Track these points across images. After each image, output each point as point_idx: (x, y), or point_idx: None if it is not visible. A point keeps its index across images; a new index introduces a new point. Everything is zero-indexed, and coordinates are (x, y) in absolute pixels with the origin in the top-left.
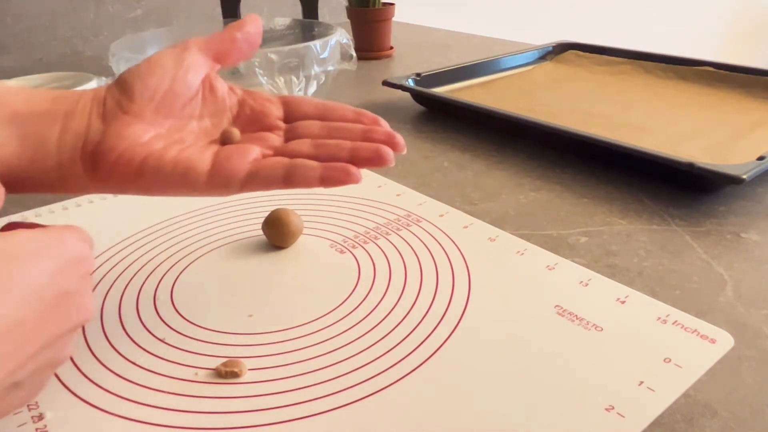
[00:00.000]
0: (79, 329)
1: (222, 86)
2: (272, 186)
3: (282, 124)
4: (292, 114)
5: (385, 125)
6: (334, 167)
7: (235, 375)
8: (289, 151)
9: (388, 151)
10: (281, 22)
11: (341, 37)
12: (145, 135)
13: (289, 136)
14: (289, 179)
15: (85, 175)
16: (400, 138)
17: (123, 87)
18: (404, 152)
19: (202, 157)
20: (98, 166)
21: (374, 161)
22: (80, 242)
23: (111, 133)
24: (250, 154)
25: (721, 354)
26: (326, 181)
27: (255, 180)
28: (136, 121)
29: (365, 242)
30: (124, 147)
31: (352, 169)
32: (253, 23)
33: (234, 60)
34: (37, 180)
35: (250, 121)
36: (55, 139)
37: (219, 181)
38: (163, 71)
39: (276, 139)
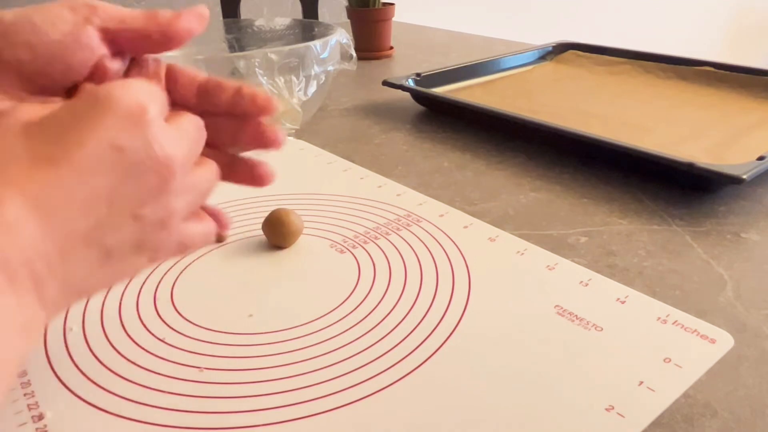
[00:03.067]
0: (171, 190)
1: (116, 68)
2: None
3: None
4: (171, 91)
5: (267, 106)
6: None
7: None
8: None
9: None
10: (281, 22)
11: (341, 37)
12: None
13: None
14: None
15: None
16: (276, 133)
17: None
18: (281, 147)
19: None
20: None
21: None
22: (134, 95)
23: None
24: None
25: (721, 354)
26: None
27: None
28: None
29: (365, 242)
30: None
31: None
32: (191, 19)
33: (139, 52)
34: None
35: None
36: None
37: None
38: (43, 43)
39: None
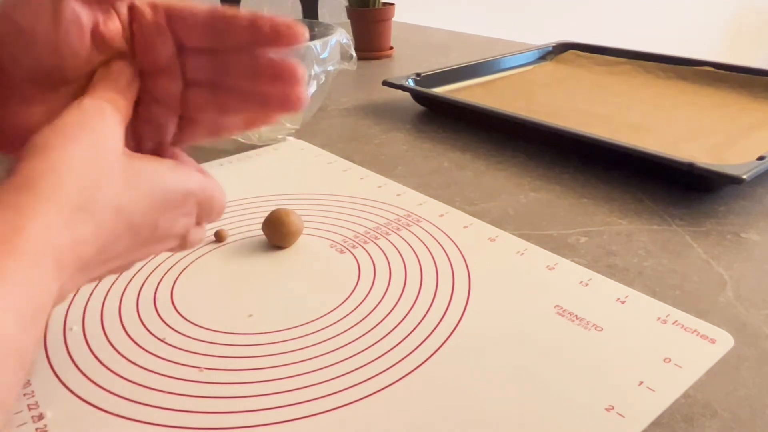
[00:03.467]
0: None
1: (113, 28)
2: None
3: (175, 61)
4: (177, 34)
5: (293, 33)
6: (256, 121)
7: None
8: (191, 116)
9: (295, 94)
10: None
11: (341, 37)
12: (26, 115)
13: (185, 78)
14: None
15: None
16: (296, 68)
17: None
18: (304, 104)
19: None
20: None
21: (283, 108)
22: (194, 182)
23: (2, 124)
24: (170, 129)
25: (721, 354)
26: (251, 124)
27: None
28: (22, 107)
29: (365, 242)
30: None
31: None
32: None
33: None
34: None
35: (145, 53)
36: None
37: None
38: (37, 43)
39: (175, 87)
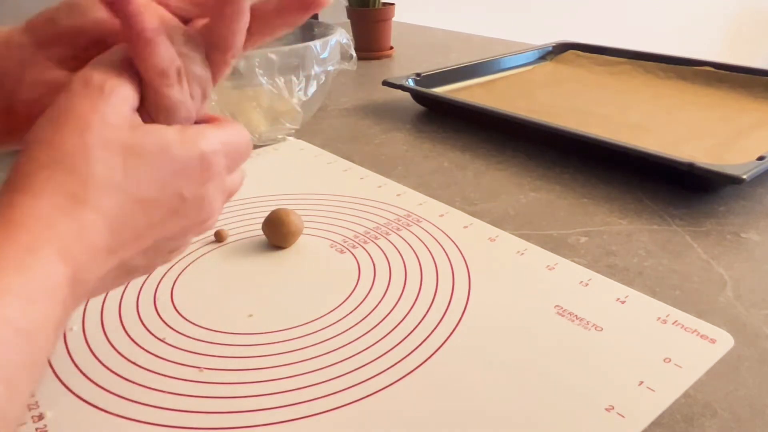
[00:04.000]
0: (198, 233)
1: None
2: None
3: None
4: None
5: None
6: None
7: None
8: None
9: None
10: None
11: (341, 37)
12: (53, 73)
13: None
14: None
15: (2, 129)
16: None
17: (39, 30)
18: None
19: None
20: (16, 118)
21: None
22: (207, 143)
23: (29, 81)
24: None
25: (721, 354)
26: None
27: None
28: (57, 67)
29: (365, 242)
30: (48, 96)
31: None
32: None
33: None
34: None
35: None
36: None
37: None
38: (84, 13)
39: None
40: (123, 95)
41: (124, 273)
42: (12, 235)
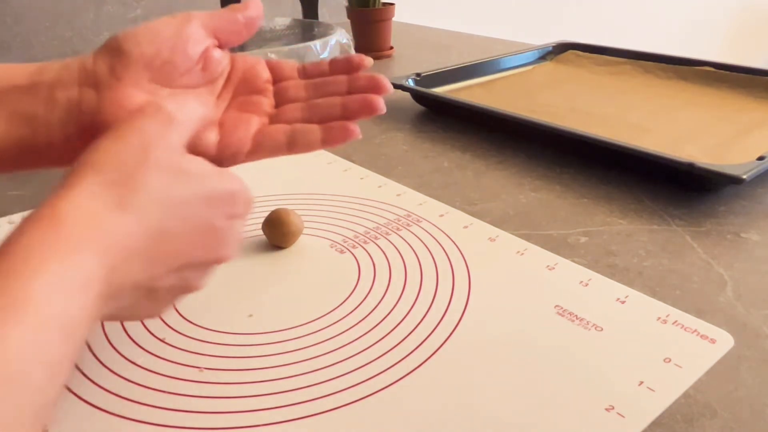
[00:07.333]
0: (217, 265)
1: (218, 56)
2: (276, 153)
3: (270, 87)
4: (276, 76)
5: (362, 62)
6: (333, 127)
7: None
8: (286, 118)
9: (376, 99)
10: (281, 22)
11: (341, 37)
12: (130, 97)
13: (279, 99)
14: (292, 145)
15: (84, 148)
16: (383, 79)
17: (117, 52)
18: (391, 91)
19: (208, 128)
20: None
21: (366, 111)
22: (239, 184)
23: (107, 102)
24: (253, 124)
25: (721, 354)
26: (328, 141)
27: (260, 149)
28: (132, 89)
29: (365, 242)
30: (125, 115)
31: (350, 125)
32: (255, 7)
33: (232, 41)
34: (31, 157)
35: (241, 83)
36: (43, 113)
37: (228, 152)
38: (161, 40)
39: (267, 103)
40: (187, 126)
41: (146, 294)
42: (59, 227)
